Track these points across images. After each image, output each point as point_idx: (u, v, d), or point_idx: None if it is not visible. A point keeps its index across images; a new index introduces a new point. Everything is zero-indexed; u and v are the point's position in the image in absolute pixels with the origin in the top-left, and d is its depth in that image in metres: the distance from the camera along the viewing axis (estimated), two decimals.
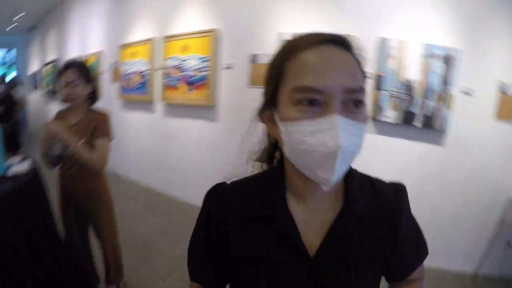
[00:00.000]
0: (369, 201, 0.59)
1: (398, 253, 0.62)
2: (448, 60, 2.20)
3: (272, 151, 0.66)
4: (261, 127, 0.64)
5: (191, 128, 3.55)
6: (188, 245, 0.69)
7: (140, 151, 4.26)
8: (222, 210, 0.60)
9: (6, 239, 1.32)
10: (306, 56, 0.49)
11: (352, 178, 0.60)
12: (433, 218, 2.42)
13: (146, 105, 4.04)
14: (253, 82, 2.95)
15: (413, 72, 2.27)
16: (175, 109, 3.69)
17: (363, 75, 0.52)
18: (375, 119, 2.44)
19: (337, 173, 0.47)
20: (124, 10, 4.40)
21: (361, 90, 0.49)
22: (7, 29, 8.54)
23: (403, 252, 0.63)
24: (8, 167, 1.65)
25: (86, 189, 1.70)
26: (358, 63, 0.51)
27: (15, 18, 7.51)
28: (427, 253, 0.67)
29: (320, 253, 0.55)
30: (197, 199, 2.95)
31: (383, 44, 2.33)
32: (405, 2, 2.35)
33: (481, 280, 2.36)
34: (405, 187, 0.64)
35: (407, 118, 2.32)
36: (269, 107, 0.55)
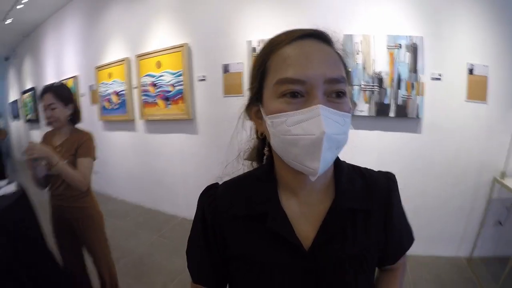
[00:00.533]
0: (360, 193, 0.60)
1: (390, 241, 0.63)
2: (413, 49, 2.23)
3: (261, 148, 0.66)
4: (248, 125, 0.65)
5: (173, 143, 3.57)
6: (184, 255, 0.70)
7: (125, 169, 4.26)
8: (216, 211, 0.61)
9: None
10: (286, 51, 0.50)
11: (341, 170, 0.61)
12: (421, 203, 2.46)
13: (127, 124, 4.04)
14: (227, 91, 2.98)
15: (380, 64, 2.31)
16: (155, 125, 3.70)
17: (345, 67, 0.53)
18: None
19: (324, 162, 0.48)
20: (96, 33, 4.40)
21: (343, 80, 0.49)
22: None
23: (394, 240, 0.64)
24: None
25: (75, 207, 1.70)
26: (339, 56, 0.52)
27: None
28: (414, 239, 0.70)
29: (315, 247, 0.55)
30: (186, 212, 3.00)
31: (348, 40, 2.35)
32: None
33: (477, 262, 2.38)
34: (395, 176, 0.66)
35: (380, 109, 2.35)
36: (255, 103, 0.56)
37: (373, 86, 2.35)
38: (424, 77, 2.26)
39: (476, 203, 2.41)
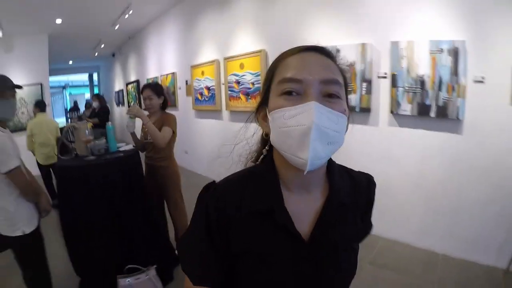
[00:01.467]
0: (349, 189, 0.66)
1: (363, 230, 0.73)
2: (455, 53, 2.41)
3: (262, 149, 0.70)
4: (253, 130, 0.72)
5: (251, 130, 4.36)
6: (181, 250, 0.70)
7: (210, 151, 5.08)
8: (219, 208, 0.61)
9: (116, 182, 2.27)
10: (290, 59, 0.58)
11: (334, 169, 0.66)
12: (460, 204, 2.55)
13: (215, 113, 4.98)
14: None
15: (423, 67, 2.57)
16: (238, 115, 4.52)
17: (343, 77, 0.59)
18: (393, 113, 2.80)
19: (313, 152, 0.50)
20: (190, 37, 5.40)
21: (337, 82, 0.55)
22: (93, 56, 10.37)
23: (366, 227, 0.75)
24: (119, 147, 2.69)
25: (160, 166, 2.53)
26: (337, 67, 0.59)
27: (96, 48, 9.20)
28: (372, 226, 0.78)
29: (313, 238, 0.59)
30: None
31: (394, 47, 2.69)
32: (408, 5, 2.66)
33: None
34: (373, 178, 0.75)
35: (422, 110, 2.62)
36: (263, 107, 0.63)
37: (416, 88, 2.64)
38: (466, 79, 2.39)
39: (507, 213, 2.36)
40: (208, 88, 4.96)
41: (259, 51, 3.91)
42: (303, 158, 0.51)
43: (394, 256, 2.73)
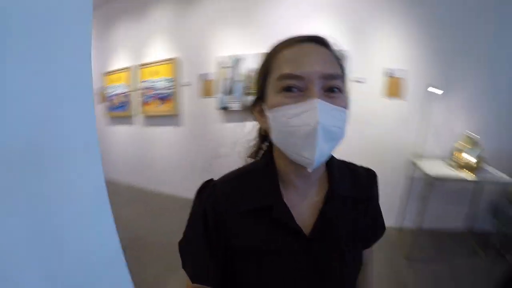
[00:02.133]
0: (349, 183, 0.65)
1: (372, 225, 0.70)
2: None
3: (260, 144, 0.70)
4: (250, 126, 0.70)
5: (163, 133, 4.40)
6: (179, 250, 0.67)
7: (125, 156, 5.06)
8: (218, 206, 0.60)
9: None
10: (287, 52, 0.55)
11: (333, 164, 0.65)
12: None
13: (128, 119, 4.91)
14: (205, 94, 3.84)
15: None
16: (151, 120, 4.55)
17: (342, 68, 0.57)
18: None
19: (320, 152, 0.51)
20: (104, 46, 5.23)
21: (338, 77, 0.53)
22: None
23: (373, 228, 0.72)
24: None
25: None
26: (336, 57, 0.57)
27: None
28: (385, 228, 0.76)
29: (315, 233, 0.59)
30: (172, 189, 4.05)
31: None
32: (302, 19, 3.12)
33: (406, 233, 2.81)
34: (375, 172, 0.73)
35: None
36: (259, 102, 0.60)
37: None
38: (350, 80, 2.86)
39: (396, 180, 3.03)
40: (123, 94, 4.84)
41: (173, 59, 4.04)
42: (309, 158, 0.51)
43: None
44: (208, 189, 0.64)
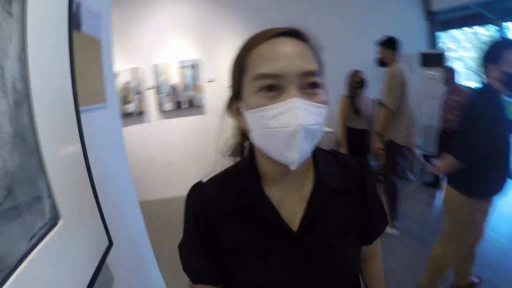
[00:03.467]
0: (336, 173, 0.63)
1: (367, 221, 0.67)
2: (195, 66, 3.83)
3: (242, 143, 0.68)
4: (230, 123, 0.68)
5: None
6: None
7: None
8: (205, 207, 0.60)
9: None
10: (261, 49, 0.52)
11: (318, 155, 0.63)
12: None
13: None
14: None
15: (175, 78, 3.88)
16: None
17: (319, 61, 0.55)
18: (160, 111, 3.96)
19: (302, 152, 0.50)
20: None
21: (317, 73, 0.52)
22: None
23: (371, 220, 0.69)
24: None
25: None
26: (313, 51, 0.55)
27: None
28: (388, 222, 0.74)
29: (302, 227, 0.58)
30: None
31: (154, 68, 3.87)
32: (162, 37, 3.88)
33: None
34: (367, 162, 0.70)
35: (177, 105, 3.93)
36: (235, 100, 0.58)
37: (171, 92, 3.93)
38: (203, 81, 3.86)
39: None
40: None
41: None
42: (291, 158, 0.50)
43: None
44: (197, 190, 0.64)
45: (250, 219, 0.59)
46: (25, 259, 0.47)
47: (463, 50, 6.37)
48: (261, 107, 0.51)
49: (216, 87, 3.92)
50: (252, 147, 0.63)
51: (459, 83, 3.72)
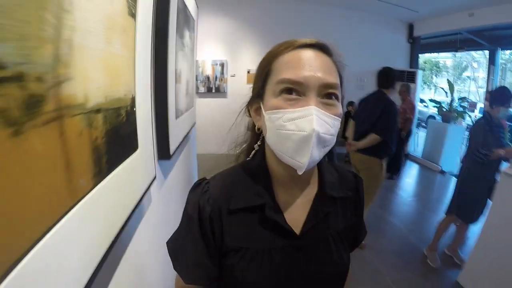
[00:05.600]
0: (337, 183, 0.68)
1: (355, 229, 0.73)
2: (222, 64, 5.46)
3: (253, 143, 0.70)
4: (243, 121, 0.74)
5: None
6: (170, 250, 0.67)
7: None
8: (212, 205, 0.61)
9: None
10: (288, 56, 0.56)
11: (323, 165, 0.67)
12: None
13: None
14: None
15: (208, 71, 5.50)
16: None
17: (340, 76, 0.58)
18: (197, 92, 5.49)
19: (312, 157, 0.52)
20: None
21: (336, 86, 0.55)
22: None
23: (358, 228, 0.75)
24: None
25: None
26: (335, 65, 0.58)
27: None
28: (366, 232, 0.80)
29: (305, 231, 0.61)
30: None
31: (197, 63, 5.30)
32: (204, 43, 5.26)
33: None
34: (362, 178, 0.76)
35: (209, 89, 5.55)
36: (257, 100, 0.61)
37: (205, 80, 5.54)
38: (227, 75, 5.52)
39: None
40: None
41: None
42: (301, 162, 0.52)
43: None
44: (202, 186, 0.64)
45: (256, 218, 0.60)
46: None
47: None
48: (281, 109, 0.53)
49: (236, 80, 5.57)
50: (263, 149, 0.65)
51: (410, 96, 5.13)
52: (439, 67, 11.65)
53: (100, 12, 0.53)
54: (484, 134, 2.39)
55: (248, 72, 5.60)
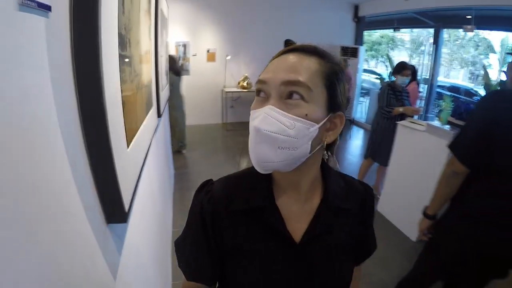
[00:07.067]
0: (343, 194, 0.66)
1: (364, 242, 0.72)
2: (185, 45, 6.14)
3: None
4: None
5: None
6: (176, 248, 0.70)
7: None
8: (214, 206, 0.62)
9: None
10: (273, 61, 0.58)
11: (328, 174, 0.66)
12: (201, 97, 6.40)
13: None
14: None
15: (172, 51, 6.08)
16: None
17: (326, 77, 0.55)
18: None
19: (257, 155, 0.53)
20: None
21: (298, 84, 0.52)
22: None
23: (367, 242, 0.73)
24: None
25: None
26: (315, 66, 0.55)
27: None
28: (376, 246, 0.78)
29: (305, 239, 0.60)
30: None
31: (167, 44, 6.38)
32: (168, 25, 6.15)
33: (226, 124, 6.45)
34: (371, 188, 0.73)
35: (173, 68, 6.12)
36: None
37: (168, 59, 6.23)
38: (190, 55, 6.22)
39: (215, 98, 6.49)
40: None
41: None
42: (254, 160, 0.54)
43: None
44: (206, 187, 0.66)
45: (255, 222, 0.60)
46: None
47: None
48: (253, 109, 0.55)
49: (197, 59, 6.32)
50: None
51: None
52: (395, 42, 12.52)
53: None
54: (388, 97, 3.23)
55: (208, 51, 6.31)
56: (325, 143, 0.58)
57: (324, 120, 0.55)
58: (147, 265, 1.11)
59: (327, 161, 0.68)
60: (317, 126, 0.54)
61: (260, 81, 0.55)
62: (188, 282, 0.67)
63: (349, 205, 0.65)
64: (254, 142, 0.52)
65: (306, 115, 0.52)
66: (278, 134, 0.51)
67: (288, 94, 0.53)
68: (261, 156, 0.52)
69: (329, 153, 0.66)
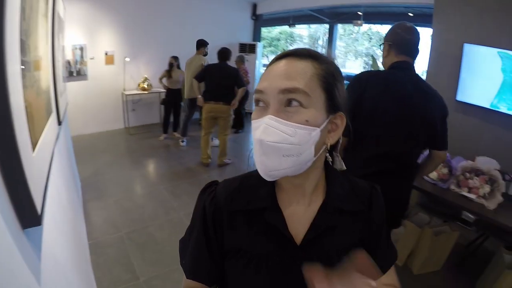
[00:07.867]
0: (347, 195, 0.65)
1: (377, 243, 0.69)
2: (81, 48, 5.84)
3: None
4: None
5: None
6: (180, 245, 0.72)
7: None
8: (216, 207, 0.64)
9: None
10: (268, 68, 0.59)
11: (331, 175, 0.66)
12: (100, 102, 6.18)
13: None
14: None
15: (69, 55, 5.78)
16: None
17: (324, 82, 0.55)
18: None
19: (264, 165, 0.54)
20: None
21: (296, 91, 0.52)
22: None
23: (380, 247, 0.70)
24: None
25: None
26: (311, 70, 0.55)
27: None
28: (397, 255, 0.76)
29: (306, 241, 0.60)
30: None
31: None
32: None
33: (129, 128, 6.33)
34: (378, 187, 0.72)
35: (71, 73, 5.89)
36: None
37: (67, 64, 5.89)
38: (87, 58, 5.96)
39: (117, 100, 6.28)
40: None
41: None
42: (260, 170, 0.55)
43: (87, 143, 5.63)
44: (211, 189, 0.68)
45: (256, 223, 0.61)
46: None
47: None
48: (253, 120, 0.55)
49: (95, 62, 6.07)
50: None
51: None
52: (293, 37, 13.53)
53: None
54: None
55: (106, 54, 6.13)
56: (328, 145, 0.59)
57: (325, 123, 0.56)
58: (67, 271, 1.10)
59: (333, 162, 0.68)
60: (319, 129, 0.55)
61: (257, 91, 0.56)
62: (188, 280, 0.68)
63: (353, 206, 0.65)
64: (259, 154, 0.53)
65: (307, 121, 0.53)
66: (281, 143, 0.52)
67: (287, 102, 0.53)
68: (267, 166, 0.54)
69: (334, 153, 0.66)
